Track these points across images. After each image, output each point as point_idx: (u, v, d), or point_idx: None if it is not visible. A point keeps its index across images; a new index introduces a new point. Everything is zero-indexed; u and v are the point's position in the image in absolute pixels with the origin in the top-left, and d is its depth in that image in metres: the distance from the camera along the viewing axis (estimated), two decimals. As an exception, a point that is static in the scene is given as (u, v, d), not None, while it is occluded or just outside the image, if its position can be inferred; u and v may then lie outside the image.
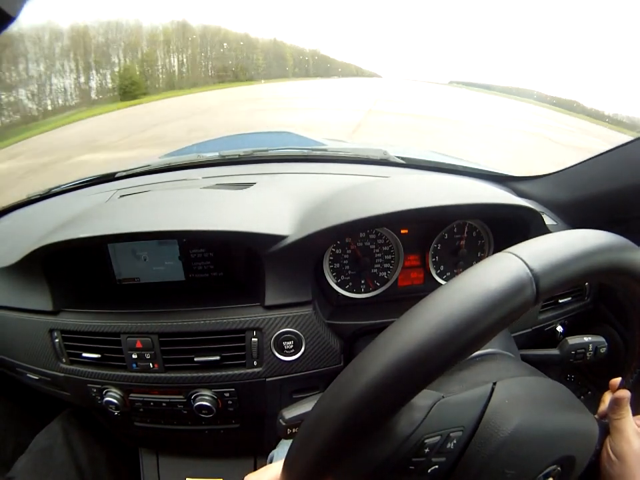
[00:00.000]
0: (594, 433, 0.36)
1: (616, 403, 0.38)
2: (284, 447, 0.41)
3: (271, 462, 0.63)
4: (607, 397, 0.41)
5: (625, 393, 0.38)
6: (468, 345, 0.24)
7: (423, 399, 0.32)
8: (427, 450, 0.30)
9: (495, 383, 0.34)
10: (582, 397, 0.83)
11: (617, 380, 0.40)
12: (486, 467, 0.31)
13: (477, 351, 0.25)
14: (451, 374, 0.38)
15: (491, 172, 0.94)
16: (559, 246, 0.27)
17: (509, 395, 0.34)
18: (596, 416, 0.42)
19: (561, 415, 0.34)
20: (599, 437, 0.37)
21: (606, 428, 0.38)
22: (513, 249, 0.27)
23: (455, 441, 0.31)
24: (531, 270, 0.25)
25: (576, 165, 0.79)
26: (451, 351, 0.23)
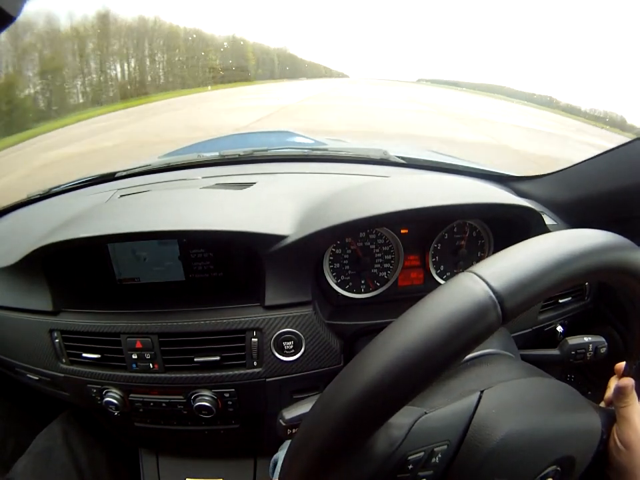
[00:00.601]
0: (594, 430, 0.36)
1: (620, 392, 0.37)
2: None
3: (275, 465, 0.63)
4: (613, 383, 0.40)
5: (629, 381, 0.37)
6: (432, 373, 0.24)
7: (404, 417, 0.31)
8: (410, 466, 0.30)
9: (482, 392, 0.34)
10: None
11: (622, 364, 0.39)
12: (475, 477, 0.31)
13: (440, 376, 0.24)
14: (439, 385, 0.37)
15: (491, 172, 0.94)
16: (525, 260, 0.25)
17: (497, 403, 0.33)
18: (602, 403, 0.42)
19: (556, 416, 0.34)
20: (605, 426, 0.37)
21: (612, 416, 0.38)
22: (477, 268, 0.25)
23: (440, 455, 0.31)
24: (495, 292, 0.23)
25: (576, 164, 0.79)
26: (414, 381, 0.23)
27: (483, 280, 0.24)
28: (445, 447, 0.31)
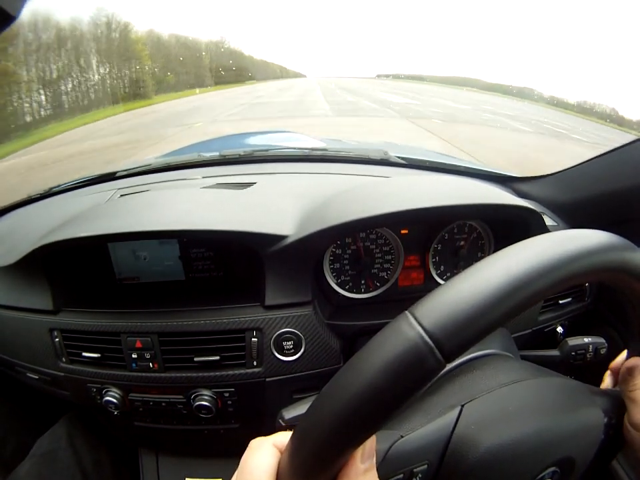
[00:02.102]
0: (594, 426, 0.35)
1: (628, 373, 0.35)
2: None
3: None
4: (618, 361, 0.39)
5: (635, 363, 0.35)
6: (378, 420, 0.23)
7: (379, 443, 0.30)
8: None
9: (463, 406, 0.33)
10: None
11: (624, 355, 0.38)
12: None
13: (389, 419, 0.24)
14: (421, 401, 0.36)
15: (491, 172, 0.94)
16: (465, 293, 0.23)
17: (477, 417, 0.33)
18: (609, 386, 0.41)
19: (547, 420, 0.33)
20: (614, 410, 0.36)
21: (620, 398, 0.36)
22: (416, 307, 0.24)
23: (420, 475, 0.31)
24: (431, 335, 0.22)
25: (577, 165, 0.79)
26: (361, 427, 0.23)
27: (419, 323, 0.23)
28: (425, 466, 0.31)
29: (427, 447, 0.31)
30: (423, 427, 0.32)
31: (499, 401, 0.34)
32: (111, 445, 0.85)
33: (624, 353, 0.39)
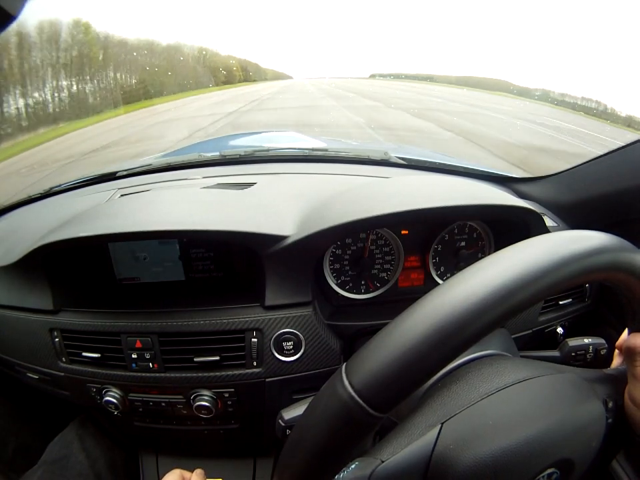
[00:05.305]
0: (591, 422, 0.34)
1: (630, 350, 0.35)
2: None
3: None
4: (623, 337, 0.38)
5: (636, 340, 0.35)
6: (327, 468, 0.26)
7: (360, 469, 0.31)
8: None
9: (442, 424, 0.33)
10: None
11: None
12: None
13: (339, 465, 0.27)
14: (401, 423, 0.36)
15: (492, 173, 0.94)
16: (392, 347, 0.24)
17: (455, 436, 0.32)
18: (618, 364, 0.41)
19: (537, 426, 0.32)
20: (618, 392, 0.36)
21: (623, 376, 0.36)
22: (349, 364, 0.25)
23: None
24: (357, 391, 0.23)
25: (578, 166, 0.79)
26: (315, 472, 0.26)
27: (349, 382, 0.24)
28: None
29: (407, 471, 0.31)
30: (403, 450, 0.32)
31: (479, 415, 0.33)
32: (125, 446, 0.84)
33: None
